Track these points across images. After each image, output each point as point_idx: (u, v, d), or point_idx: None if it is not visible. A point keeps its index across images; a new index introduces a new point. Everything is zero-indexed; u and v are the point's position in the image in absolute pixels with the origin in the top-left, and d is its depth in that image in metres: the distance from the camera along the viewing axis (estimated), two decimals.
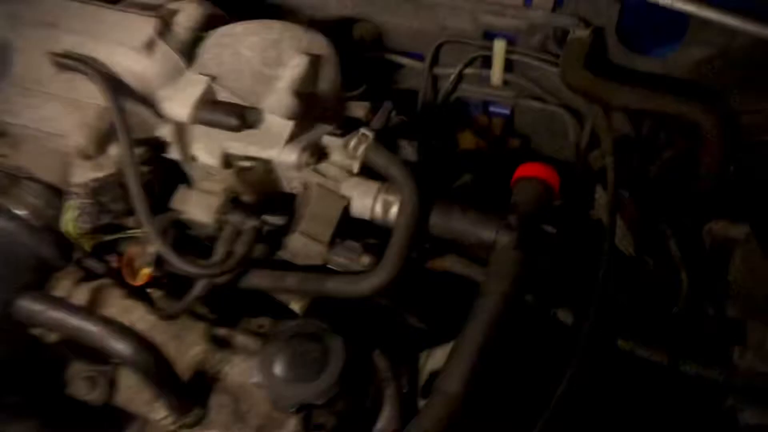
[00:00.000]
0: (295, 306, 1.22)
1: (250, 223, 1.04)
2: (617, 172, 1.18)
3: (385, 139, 1.34)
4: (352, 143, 1.12)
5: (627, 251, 1.29)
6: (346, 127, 1.28)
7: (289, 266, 1.17)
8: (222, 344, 1.16)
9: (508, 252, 1.07)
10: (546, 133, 1.65)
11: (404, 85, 1.68)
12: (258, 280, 1.12)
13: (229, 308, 1.24)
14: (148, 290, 1.15)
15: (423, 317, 1.31)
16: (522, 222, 1.08)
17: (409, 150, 1.34)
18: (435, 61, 1.58)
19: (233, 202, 1.07)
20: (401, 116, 1.36)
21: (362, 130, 1.13)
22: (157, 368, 1.04)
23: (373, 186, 1.14)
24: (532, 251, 1.09)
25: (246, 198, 1.09)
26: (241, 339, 1.17)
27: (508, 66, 1.52)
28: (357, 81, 1.67)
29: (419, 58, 1.60)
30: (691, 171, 1.26)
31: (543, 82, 1.53)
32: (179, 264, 0.99)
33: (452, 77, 1.57)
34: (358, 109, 1.34)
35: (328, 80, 1.25)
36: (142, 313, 1.14)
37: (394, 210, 1.12)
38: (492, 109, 1.65)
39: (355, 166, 1.15)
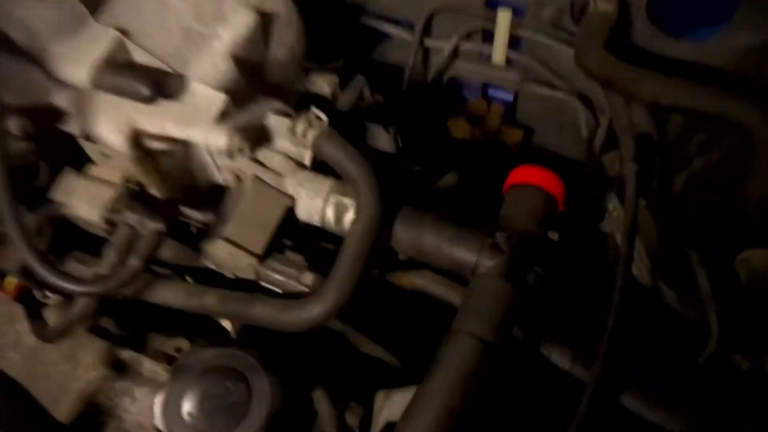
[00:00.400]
0: (227, 324, 0.98)
1: (152, 225, 0.79)
2: (639, 183, 0.92)
3: (354, 124, 1.09)
4: (299, 127, 0.87)
5: (642, 279, 1.04)
6: (306, 105, 1.03)
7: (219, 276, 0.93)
8: (124, 370, 0.92)
9: (492, 282, 0.82)
10: (553, 126, 1.39)
11: (390, 59, 1.42)
12: (167, 294, 0.87)
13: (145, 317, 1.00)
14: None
15: (384, 345, 1.06)
16: (513, 243, 0.83)
17: (383, 138, 1.10)
18: (426, 31, 1.32)
19: (132, 195, 0.81)
20: (377, 95, 1.11)
21: (313, 111, 0.87)
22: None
23: (326, 184, 0.89)
24: (524, 283, 0.84)
25: (154, 191, 0.84)
26: (148, 366, 0.92)
27: (514, 42, 1.26)
28: (334, 51, 1.42)
29: (409, 27, 1.34)
30: (729, 188, 1.00)
31: (554, 64, 1.27)
32: (48, 276, 0.74)
33: (446, 52, 1.31)
34: (323, 84, 1.08)
35: (283, 45, 1.00)
36: (25, 328, 0.89)
37: (349, 217, 0.87)
38: (492, 93, 1.39)
39: (307, 157, 0.90)
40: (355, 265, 0.80)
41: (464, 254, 0.84)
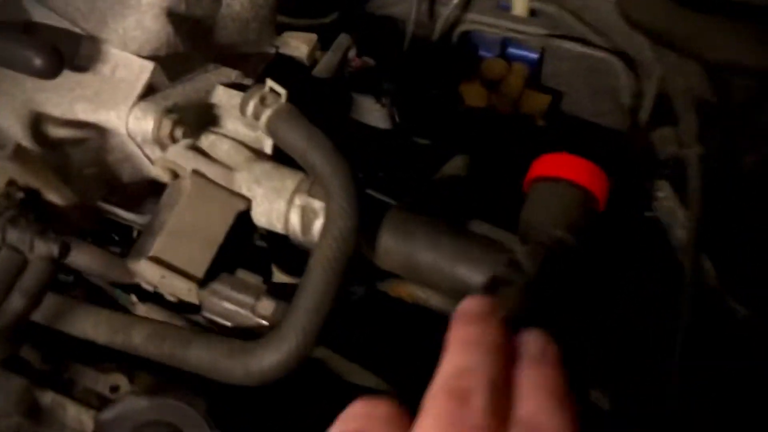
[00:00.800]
0: None
1: (43, 248, 0.58)
2: (705, 171, 0.70)
3: (338, 94, 0.87)
4: (251, 105, 0.65)
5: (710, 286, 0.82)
6: (273, 73, 0.81)
7: None
8: (43, 419, 0.73)
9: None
10: (587, 90, 1.15)
11: (390, 11, 1.19)
12: (87, 327, 0.67)
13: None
14: None
15: (380, 372, 0.85)
16: (538, 260, 0.61)
17: (375, 111, 0.87)
18: None
19: (19, 205, 0.60)
20: (366, 58, 0.88)
21: (269, 84, 0.65)
22: None
23: (290, 181, 0.67)
24: (555, 311, 0.62)
25: (55, 197, 0.62)
26: (73, 413, 0.73)
27: None
28: (325, 4, 1.19)
29: None
30: None
31: (587, 15, 1.03)
32: None
33: (453, 2, 1.07)
34: (299, 45, 0.86)
35: None
36: None
37: (319, 224, 0.65)
38: (512, 50, 1.15)
39: (267, 144, 0.69)
40: (322, 296, 0.58)
41: (472, 275, 0.63)
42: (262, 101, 0.64)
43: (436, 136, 1.12)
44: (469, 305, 0.40)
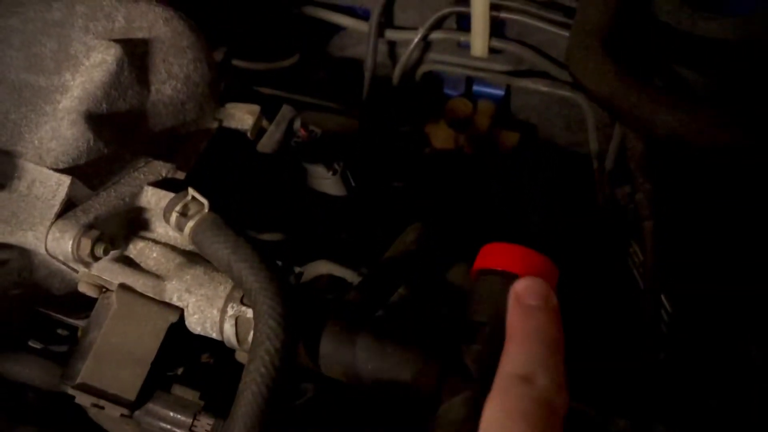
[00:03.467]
0: None
1: None
2: (659, 241, 0.66)
3: (287, 168, 0.84)
4: (173, 217, 0.61)
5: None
6: (218, 148, 0.79)
7: None
8: None
9: (459, 426, 0.56)
10: (560, 121, 1.11)
11: (349, 52, 1.15)
12: None
13: None
14: None
15: None
16: (489, 362, 0.58)
17: (330, 181, 0.84)
18: (386, 20, 1.04)
19: None
20: (313, 127, 0.84)
21: (191, 193, 0.62)
22: None
23: (222, 287, 0.64)
24: None
25: None
26: None
27: (497, 28, 0.98)
28: (287, 45, 1.16)
29: (365, 15, 1.07)
30: None
31: (551, 50, 0.99)
32: None
33: (412, 45, 1.03)
34: (243, 117, 0.82)
35: (173, 79, 0.75)
36: None
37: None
38: (477, 88, 1.11)
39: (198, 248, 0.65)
40: (253, 421, 0.55)
41: (417, 383, 0.59)
42: (184, 212, 0.61)
43: (404, 179, 1.08)
44: (525, 293, 0.48)
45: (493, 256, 0.63)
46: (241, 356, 0.68)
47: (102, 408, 0.64)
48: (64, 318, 0.73)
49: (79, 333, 0.71)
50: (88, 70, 0.67)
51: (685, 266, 0.80)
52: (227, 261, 0.59)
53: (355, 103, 1.14)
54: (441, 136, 1.11)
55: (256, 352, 0.56)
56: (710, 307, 0.79)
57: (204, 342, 0.74)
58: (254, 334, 0.57)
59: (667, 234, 0.73)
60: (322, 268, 0.85)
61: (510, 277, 0.62)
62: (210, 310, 0.63)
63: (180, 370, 0.67)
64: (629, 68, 0.65)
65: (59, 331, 0.81)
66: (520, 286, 0.50)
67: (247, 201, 0.85)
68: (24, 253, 0.63)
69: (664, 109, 0.61)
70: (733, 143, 0.59)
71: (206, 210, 0.61)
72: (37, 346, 0.77)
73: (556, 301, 0.49)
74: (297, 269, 0.77)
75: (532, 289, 0.49)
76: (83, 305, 0.70)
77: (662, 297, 0.78)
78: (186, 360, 0.68)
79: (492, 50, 1.01)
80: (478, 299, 0.63)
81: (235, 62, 1.13)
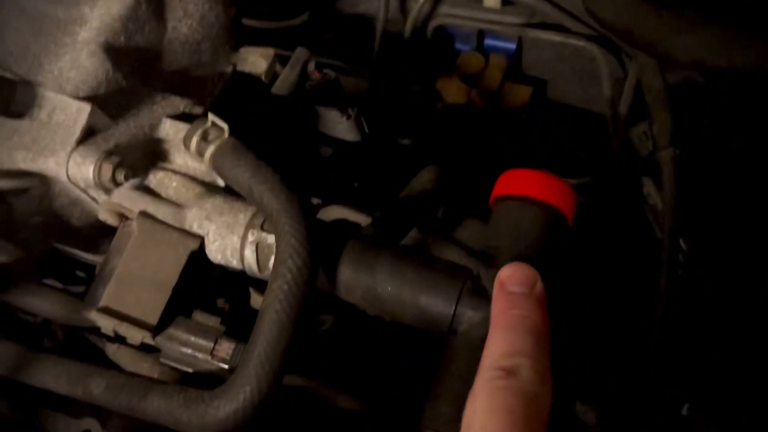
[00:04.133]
0: None
1: None
2: (679, 171, 0.66)
3: (301, 112, 0.84)
4: (194, 142, 0.62)
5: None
6: (230, 91, 0.79)
7: None
8: None
9: (477, 344, 0.57)
10: (573, 76, 1.11)
11: (360, 9, 1.15)
12: (47, 378, 0.65)
13: None
14: None
15: (366, 396, 0.82)
16: None
17: (344, 126, 0.84)
18: None
19: None
20: (326, 71, 0.84)
21: (211, 118, 0.62)
22: None
23: (243, 214, 0.64)
24: None
25: None
26: None
27: None
28: (296, 3, 1.16)
29: None
30: None
31: (564, 1, 0.99)
32: None
33: None
34: (256, 61, 0.82)
35: (189, 18, 0.75)
36: None
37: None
38: (489, 42, 1.11)
39: (219, 178, 0.66)
40: (276, 341, 0.56)
41: (437, 305, 0.60)
42: (205, 137, 0.61)
43: (415, 136, 1.08)
44: (510, 280, 0.47)
45: (511, 181, 0.63)
46: (258, 301, 0.69)
47: (123, 339, 0.65)
48: (83, 255, 0.74)
49: (97, 269, 0.72)
50: (106, 3, 0.67)
51: (701, 213, 0.80)
52: (248, 184, 0.59)
53: (365, 62, 1.14)
54: (453, 91, 1.11)
55: (279, 270, 0.56)
56: (725, 254, 0.79)
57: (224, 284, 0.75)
58: (276, 254, 0.57)
59: (684, 174, 0.73)
60: (336, 212, 0.85)
61: (528, 201, 0.62)
62: (230, 237, 0.64)
63: (201, 300, 0.67)
64: None
65: (78, 272, 0.82)
66: (504, 273, 0.49)
67: (261, 145, 0.85)
68: (45, 180, 0.63)
69: (685, 32, 0.61)
70: (756, 65, 0.59)
71: (226, 135, 0.61)
72: (57, 285, 0.77)
73: (542, 288, 0.48)
74: (315, 200, 0.77)
75: (516, 276, 0.49)
76: (102, 239, 0.71)
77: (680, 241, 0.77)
78: (207, 291, 0.69)
79: (504, 2, 1.01)
80: (496, 225, 0.64)
81: (245, 21, 1.13)
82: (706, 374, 0.82)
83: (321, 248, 0.59)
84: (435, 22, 1.09)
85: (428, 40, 1.11)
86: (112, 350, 0.75)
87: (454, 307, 0.59)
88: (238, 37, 0.87)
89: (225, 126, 0.61)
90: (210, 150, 0.61)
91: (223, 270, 0.76)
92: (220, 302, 0.76)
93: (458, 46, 1.12)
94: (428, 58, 1.12)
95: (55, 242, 0.68)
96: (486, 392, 0.41)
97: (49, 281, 0.77)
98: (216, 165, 0.61)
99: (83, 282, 0.80)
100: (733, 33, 0.60)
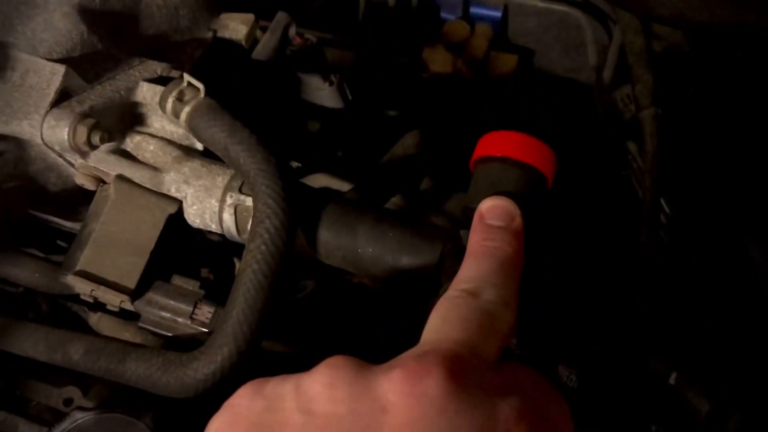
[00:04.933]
0: None
1: None
2: (660, 131, 0.65)
3: (282, 78, 0.83)
4: (169, 103, 0.61)
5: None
6: (210, 57, 0.78)
7: None
8: None
9: None
10: (558, 45, 1.10)
11: None
12: (25, 345, 0.64)
13: None
14: None
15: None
16: None
17: (326, 92, 0.83)
18: None
19: None
20: (307, 36, 0.83)
21: (187, 78, 0.61)
22: None
23: (221, 177, 0.63)
24: None
25: None
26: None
27: None
28: None
29: None
30: None
31: None
32: None
33: None
34: (237, 27, 0.81)
35: None
36: None
37: None
38: (475, 10, 1.10)
39: (197, 141, 0.65)
40: (253, 302, 0.55)
41: (417, 266, 0.59)
42: (180, 98, 0.60)
43: (401, 106, 1.07)
44: (489, 213, 0.48)
45: (491, 143, 0.63)
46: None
47: (102, 305, 0.64)
48: (62, 223, 0.73)
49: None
50: None
51: (682, 171, 0.80)
52: (224, 144, 0.59)
53: (351, 33, 1.13)
54: (438, 60, 1.10)
55: (256, 230, 0.56)
56: (708, 209, 0.79)
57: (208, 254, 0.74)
58: (254, 215, 0.57)
59: (667, 134, 0.72)
60: (320, 180, 0.85)
61: (508, 162, 0.62)
62: (209, 200, 0.63)
63: (181, 265, 0.67)
64: None
65: (59, 242, 0.82)
66: (485, 206, 0.50)
67: (243, 111, 0.84)
68: (20, 144, 0.63)
69: None
70: (737, 20, 0.58)
71: (202, 95, 0.60)
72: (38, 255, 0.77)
73: (520, 223, 0.48)
74: (294, 164, 0.76)
75: (496, 210, 0.49)
76: (80, 206, 0.70)
77: (662, 201, 0.77)
78: (187, 257, 0.68)
79: None
80: (476, 186, 0.63)
81: None
82: (693, 343, 0.82)
83: (300, 209, 0.59)
84: None
85: (414, 9, 1.10)
86: (94, 320, 0.74)
87: (435, 271, 0.59)
88: (219, 4, 0.86)
89: (201, 86, 0.60)
90: (186, 111, 0.60)
91: (205, 239, 0.75)
92: (204, 272, 0.76)
93: (444, 15, 1.11)
94: (414, 28, 1.11)
95: (33, 209, 0.67)
96: (443, 305, 0.40)
97: (30, 251, 0.76)
98: (192, 125, 0.60)
99: (64, 251, 0.80)
100: None
